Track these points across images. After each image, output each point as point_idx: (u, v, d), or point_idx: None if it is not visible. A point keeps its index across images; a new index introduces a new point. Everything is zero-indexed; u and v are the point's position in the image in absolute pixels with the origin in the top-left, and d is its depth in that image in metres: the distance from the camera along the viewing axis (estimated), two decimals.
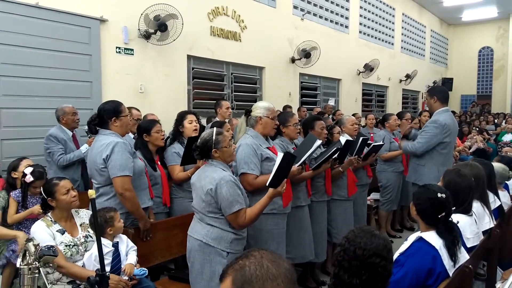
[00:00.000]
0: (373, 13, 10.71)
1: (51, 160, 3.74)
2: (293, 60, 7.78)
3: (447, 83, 14.77)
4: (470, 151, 7.58)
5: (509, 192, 3.54)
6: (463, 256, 2.02)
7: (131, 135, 3.73)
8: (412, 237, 2.04)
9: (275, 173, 2.26)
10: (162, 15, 5.00)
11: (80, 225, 2.49)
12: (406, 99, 13.23)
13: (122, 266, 2.38)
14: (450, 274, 1.90)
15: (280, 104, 6.84)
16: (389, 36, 11.64)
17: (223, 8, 6.31)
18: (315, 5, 8.49)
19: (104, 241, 2.28)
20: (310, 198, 3.31)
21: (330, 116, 6.62)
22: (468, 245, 2.30)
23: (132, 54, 5.07)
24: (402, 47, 12.37)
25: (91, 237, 2.46)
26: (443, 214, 1.98)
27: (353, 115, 6.28)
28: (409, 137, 4.00)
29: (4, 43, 3.96)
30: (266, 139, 2.90)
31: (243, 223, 2.26)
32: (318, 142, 2.97)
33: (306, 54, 7.68)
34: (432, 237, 1.95)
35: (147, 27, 5.05)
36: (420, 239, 1.99)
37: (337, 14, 9.23)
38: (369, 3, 10.49)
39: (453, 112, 4.10)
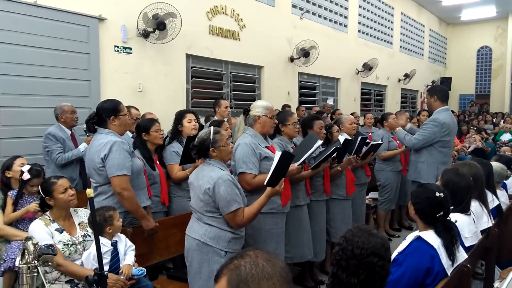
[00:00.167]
0: (372, 12, 10.71)
1: (49, 159, 3.73)
2: (292, 59, 7.78)
3: (446, 82, 14.78)
4: (469, 150, 7.59)
5: (507, 191, 3.55)
6: (461, 255, 2.03)
7: (129, 134, 3.73)
8: (411, 236, 2.04)
9: (273, 172, 2.26)
10: (161, 13, 4.99)
11: (79, 224, 2.49)
12: (404, 98, 13.24)
13: (120, 266, 2.38)
14: (449, 273, 1.91)
15: (279, 103, 6.83)
16: (388, 35, 11.65)
17: (222, 7, 6.30)
18: (314, 4, 8.49)
19: (102, 240, 2.28)
20: (309, 197, 3.32)
21: (329, 116, 6.62)
22: (466, 244, 2.31)
23: (131, 53, 5.06)
24: (401, 47, 12.38)
25: (89, 236, 2.46)
26: (441, 213, 1.98)
27: (352, 114, 6.29)
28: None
29: (3, 42, 3.95)
30: (265, 138, 2.89)
31: (241, 222, 2.26)
32: (319, 142, 2.97)
33: (305, 53, 7.68)
34: (431, 236, 1.96)
35: (146, 26, 5.04)
36: (419, 238, 1.99)
37: (336, 13, 9.23)
38: (368, 3, 10.49)
39: (452, 112, 4.10)
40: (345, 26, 9.60)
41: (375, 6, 10.86)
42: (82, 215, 2.54)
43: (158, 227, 2.78)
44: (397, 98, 12.46)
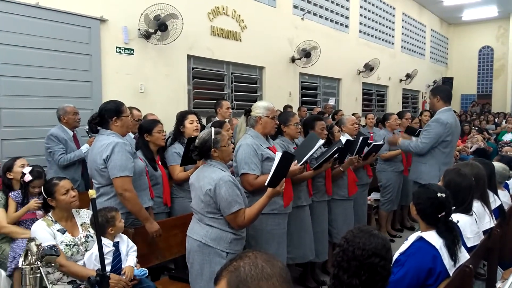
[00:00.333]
0: (373, 12, 10.71)
1: (51, 160, 3.74)
2: (293, 60, 7.78)
3: (447, 82, 14.76)
4: (470, 150, 7.58)
5: (509, 192, 3.54)
6: (464, 256, 2.03)
7: (131, 135, 3.74)
8: (413, 237, 2.04)
9: (273, 172, 2.26)
10: (162, 15, 5.00)
11: (81, 225, 2.50)
12: (406, 98, 13.22)
13: (122, 266, 2.39)
14: (451, 274, 1.90)
15: (280, 104, 6.84)
16: (389, 35, 11.64)
17: (223, 7, 6.31)
18: (315, 4, 8.49)
19: (104, 240, 2.29)
20: (311, 198, 3.32)
21: (331, 116, 6.61)
22: (469, 245, 2.31)
23: (132, 54, 5.07)
24: (402, 47, 12.37)
25: (91, 237, 2.47)
26: (443, 213, 1.98)
27: (353, 114, 6.28)
28: (415, 134, 4.00)
29: (4, 43, 3.96)
30: (267, 138, 2.89)
31: (242, 223, 2.26)
32: (321, 141, 2.97)
33: (306, 54, 7.68)
34: (433, 237, 1.96)
35: (147, 27, 5.05)
36: (421, 238, 1.99)
37: (337, 13, 9.23)
38: (369, 3, 10.48)
39: (454, 112, 4.09)
40: (346, 26, 9.60)
41: (376, 6, 10.86)
42: (84, 216, 2.55)
43: (160, 228, 2.79)
44: (398, 99, 12.45)
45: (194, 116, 3.41)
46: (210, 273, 2.23)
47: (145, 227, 2.68)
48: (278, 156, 2.27)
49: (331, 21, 9.04)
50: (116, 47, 4.90)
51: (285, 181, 2.40)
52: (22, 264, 1.74)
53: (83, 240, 2.43)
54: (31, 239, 1.84)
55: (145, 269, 2.48)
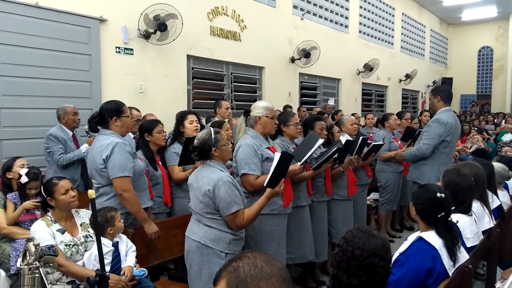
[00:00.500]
0: (373, 12, 10.71)
1: (51, 160, 3.74)
2: (293, 60, 7.78)
3: (447, 82, 14.78)
4: (470, 151, 7.58)
5: (508, 192, 3.54)
6: (463, 256, 2.03)
7: (131, 135, 3.74)
8: (412, 237, 2.04)
9: (272, 173, 2.26)
10: (162, 15, 5.00)
11: (80, 224, 2.49)
12: (405, 99, 13.23)
13: (122, 266, 2.38)
14: (450, 274, 1.90)
15: (280, 104, 6.84)
16: (389, 36, 11.65)
17: (223, 8, 6.31)
18: (315, 4, 8.49)
19: (104, 240, 2.28)
20: (311, 198, 3.32)
21: (331, 116, 6.61)
22: (468, 245, 2.31)
23: (132, 54, 5.07)
24: (401, 47, 12.38)
25: (91, 237, 2.46)
26: (443, 213, 1.98)
27: (353, 115, 6.29)
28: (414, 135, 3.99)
29: (4, 43, 3.95)
30: (266, 139, 2.89)
31: (241, 224, 2.26)
32: (320, 141, 2.97)
33: (306, 54, 7.68)
34: (432, 237, 1.96)
35: (147, 27, 5.05)
36: (420, 239, 1.99)
37: (337, 14, 9.23)
38: (369, 3, 10.49)
39: (454, 112, 4.09)
40: (346, 26, 9.60)
41: (376, 7, 10.86)
42: (83, 216, 2.55)
43: (159, 228, 2.78)
44: (398, 99, 12.46)
45: (194, 116, 3.41)
46: (209, 274, 2.23)
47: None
48: (277, 156, 2.27)
49: (331, 21, 9.05)
50: (116, 47, 4.89)
51: (285, 181, 2.40)
52: (20, 264, 1.74)
53: (82, 240, 2.42)
54: (30, 239, 1.84)
55: (145, 269, 2.48)
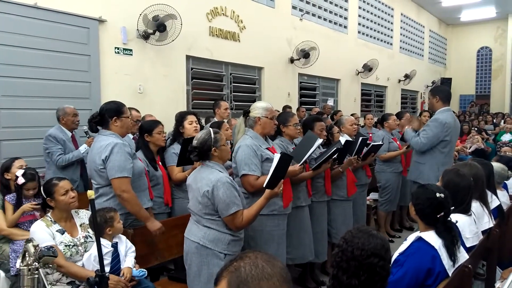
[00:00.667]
0: (371, 13, 10.72)
1: (50, 160, 3.74)
2: (292, 60, 7.78)
3: (446, 83, 14.79)
4: (469, 151, 7.58)
5: (508, 192, 3.55)
6: (463, 256, 2.03)
7: (130, 135, 3.74)
8: (412, 237, 2.04)
9: (272, 174, 2.26)
10: (161, 15, 5.00)
11: (80, 225, 2.49)
12: (405, 99, 13.24)
13: (121, 267, 2.38)
14: (450, 274, 1.91)
15: (279, 104, 6.84)
16: (388, 36, 11.66)
17: (222, 8, 6.31)
18: (313, 5, 8.50)
19: (103, 241, 2.28)
20: (310, 198, 3.32)
21: (330, 117, 6.62)
22: (468, 245, 2.31)
23: (131, 55, 5.06)
24: (400, 47, 12.39)
25: (90, 237, 2.46)
26: (442, 214, 1.98)
27: (352, 115, 6.29)
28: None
29: (3, 44, 3.95)
30: (266, 139, 2.89)
31: (240, 225, 2.25)
32: (319, 140, 2.97)
33: (305, 54, 7.68)
34: (431, 237, 1.96)
35: (146, 28, 5.04)
36: (420, 239, 1.99)
37: (335, 14, 9.23)
38: (367, 4, 10.50)
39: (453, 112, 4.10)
40: (345, 27, 9.61)
41: (375, 7, 10.87)
42: (83, 216, 2.55)
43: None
44: (397, 99, 12.47)
45: (193, 116, 3.41)
46: (208, 275, 2.23)
47: (146, 227, 2.68)
48: (276, 157, 2.27)
49: (330, 21, 9.05)
50: (115, 48, 4.89)
51: (285, 181, 2.40)
52: (20, 265, 1.73)
53: (82, 240, 2.42)
54: (29, 240, 1.83)
55: (144, 270, 2.47)
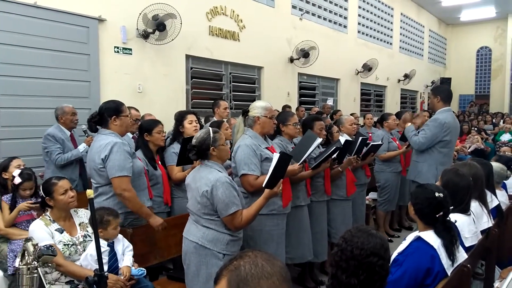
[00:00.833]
0: (371, 13, 10.72)
1: (49, 160, 3.73)
2: (291, 60, 7.78)
3: (446, 83, 14.80)
4: (469, 150, 7.59)
5: (507, 192, 3.55)
6: (461, 256, 2.03)
7: (129, 135, 3.73)
8: (411, 237, 2.04)
9: (271, 173, 2.26)
10: (161, 14, 4.99)
11: (79, 224, 2.49)
12: (404, 99, 13.25)
13: (119, 266, 2.38)
14: (449, 274, 1.91)
15: (279, 104, 6.84)
16: (388, 36, 11.66)
17: (221, 7, 6.30)
18: (313, 5, 8.50)
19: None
20: (310, 198, 3.32)
21: (329, 116, 6.62)
22: (466, 245, 2.31)
23: (131, 54, 5.06)
24: (400, 47, 12.39)
25: (89, 236, 2.46)
26: (441, 213, 1.98)
27: (351, 114, 6.29)
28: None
29: (2, 43, 3.94)
30: (265, 139, 2.89)
31: (240, 225, 2.25)
32: (318, 140, 2.97)
33: (305, 54, 7.68)
34: (430, 237, 1.96)
35: (146, 27, 5.04)
36: (419, 238, 1.99)
37: (335, 14, 9.23)
38: (367, 3, 10.49)
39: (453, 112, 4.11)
40: (345, 26, 9.61)
41: (375, 7, 10.87)
42: (82, 215, 2.54)
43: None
44: (396, 99, 12.47)
45: (193, 116, 3.41)
46: (206, 275, 2.22)
47: (146, 225, 2.69)
48: (275, 157, 2.26)
49: (330, 21, 9.05)
50: (114, 47, 4.89)
51: (284, 181, 2.39)
52: (19, 264, 1.73)
53: (81, 239, 2.42)
54: (28, 239, 1.83)
55: (143, 269, 2.47)
